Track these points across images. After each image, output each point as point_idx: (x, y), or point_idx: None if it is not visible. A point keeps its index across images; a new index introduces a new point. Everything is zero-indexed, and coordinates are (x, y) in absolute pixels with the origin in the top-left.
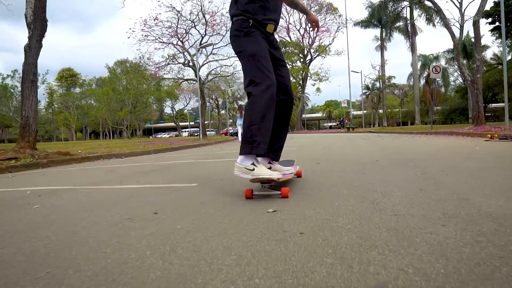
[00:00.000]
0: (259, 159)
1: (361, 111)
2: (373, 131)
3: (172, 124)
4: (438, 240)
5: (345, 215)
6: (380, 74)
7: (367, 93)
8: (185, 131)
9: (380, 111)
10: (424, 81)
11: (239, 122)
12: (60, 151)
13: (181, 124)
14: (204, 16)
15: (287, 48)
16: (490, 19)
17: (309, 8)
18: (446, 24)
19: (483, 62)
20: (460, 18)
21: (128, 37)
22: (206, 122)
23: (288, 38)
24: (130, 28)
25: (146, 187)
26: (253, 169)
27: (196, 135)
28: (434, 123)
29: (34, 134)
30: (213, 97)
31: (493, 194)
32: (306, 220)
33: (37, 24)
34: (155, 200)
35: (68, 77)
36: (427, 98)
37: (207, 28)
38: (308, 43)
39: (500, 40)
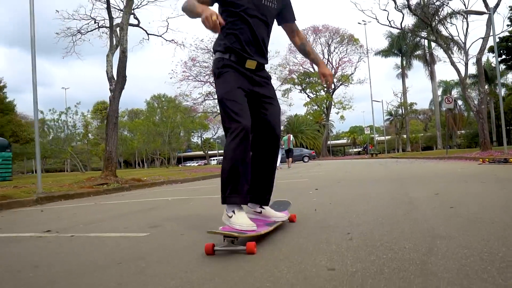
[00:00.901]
0: (250, 205)
1: (384, 137)
2: (394, 157)
3: (200, 152)
4: (378, 199)
5: (341, 195)
6: (402, 101)
7: (390, 119)
8: (214, 160)
9: (404, 136)
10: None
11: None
12: (134, 178)
13: (209, 152)
14: None
15: (311, 78)
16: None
17: (331, 40)
18: (452, 62)
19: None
20: (464, 56)
21: (171, 78)
22: None
23: (311, 69)
24: (172, 70)
25: None
26: (231, 217)
27: (204, 164)
28: (459, 147)
29: (115, 165)
30: None
31: (424, 192)
32: (333, 196)
33: (119, 80)
34: None
35: (102, 109)
36: (450, 123)
37: None
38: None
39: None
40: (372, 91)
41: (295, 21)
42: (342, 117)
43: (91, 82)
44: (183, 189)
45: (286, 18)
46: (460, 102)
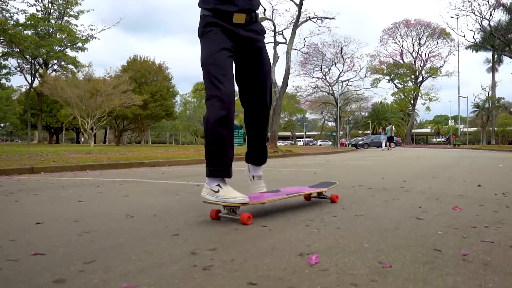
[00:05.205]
0: (250, 168)
1: (467, 129)
2: (474, 148)
3: (285, 133)
4: (438, 161)
5: (419, 161)
6: (489, 95)
7: (477, 111)
8: (300, 141)
9: (490, 129)
10: None
11: (382, 137)
12: (288, 150)
13: (296, 133)
14: (342, 57)
15: (400, 70)
16: None
17: (422, 34)
18: None
19: None
20: None
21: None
22: (317, 133)
23: (401, 61)
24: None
25: (384, 158)
26: (218, 191)
27: (311, 144)
28: None
29: (276, 140)
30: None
31: (458, 160)
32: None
33: (284, 86)
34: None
35: (201, 90)
36: None
37: (344, 66)
38: (420, 65)
39: None
40: (460, 81)
41: None
42: (428, 108)
43: (179, 59)
44: (323, 157)
45: None
46: None
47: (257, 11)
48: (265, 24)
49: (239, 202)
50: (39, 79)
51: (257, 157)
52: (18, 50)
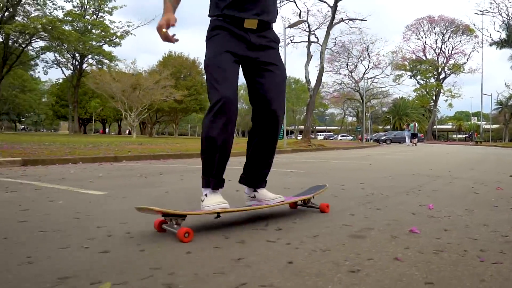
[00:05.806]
0: (246, 190)
1: (489, 126)
2: (496, 145)
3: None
4: (455, 156)
5: (445, 156)
6: None
7: (499, 109)
8: (320, 135)
9: None
10: None
11: (406, 133)
12: (320, 143)
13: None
14: (368, 54)
15: (422, 65)
16: None
17: (445, 30)
18: None
19: None
20: None
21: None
22: (338, 128)
23: (424, 57)
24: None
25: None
26: (203, 200)
27: (332, 139)
28: None
29: (309, 134)
30: (354, 107)
31: (470, 156)
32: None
33: (317, 84)
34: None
35: None
36: None
37: (370, 63)
38: (443, 62)
39: None
40: (483, 77)
41: None
42: (450, 105)
43: (195, 52)
44: (356, 151)
45: None
46: None
47: (271, 23)
48: (301, 25)
49: (212, 208)
50: (75, 71)
51: (255, 177)
52: (58, 45)
